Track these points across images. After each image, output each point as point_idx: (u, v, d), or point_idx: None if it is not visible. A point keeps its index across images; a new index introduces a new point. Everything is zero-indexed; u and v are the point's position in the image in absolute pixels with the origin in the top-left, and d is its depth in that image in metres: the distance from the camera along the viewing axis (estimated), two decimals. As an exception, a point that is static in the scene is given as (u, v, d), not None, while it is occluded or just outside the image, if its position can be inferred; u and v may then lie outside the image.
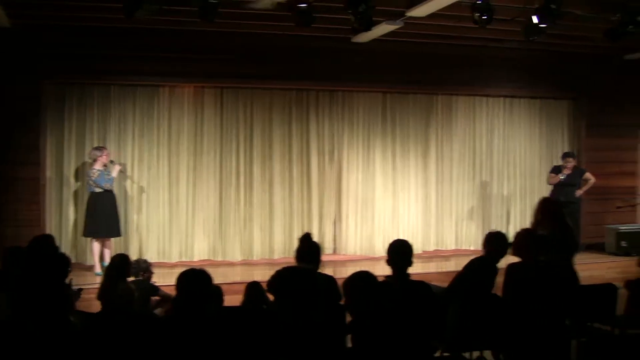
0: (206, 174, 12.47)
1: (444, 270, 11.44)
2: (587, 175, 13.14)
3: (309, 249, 6.40)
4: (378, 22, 10.51)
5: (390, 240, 6.27)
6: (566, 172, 12.85)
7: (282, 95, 12.82)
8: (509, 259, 6.62)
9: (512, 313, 6.20)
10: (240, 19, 10.79)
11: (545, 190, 13.31)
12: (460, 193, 13.86)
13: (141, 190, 12.18)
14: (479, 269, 6.78)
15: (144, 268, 8.06)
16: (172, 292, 5.32)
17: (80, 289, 6.87)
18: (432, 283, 6.79)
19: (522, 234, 6.71)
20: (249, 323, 5.18)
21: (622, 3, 9.65)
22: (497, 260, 6.82)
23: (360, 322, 4.93)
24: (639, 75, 14.53)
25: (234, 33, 11.71)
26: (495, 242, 6.84)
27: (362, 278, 5.05)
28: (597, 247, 13.66)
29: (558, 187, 12.79)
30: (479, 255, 6.87)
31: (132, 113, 12.13)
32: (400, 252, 6.08)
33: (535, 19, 9.52)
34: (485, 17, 9.38)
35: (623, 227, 13.62)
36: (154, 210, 12.25)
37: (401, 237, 6.47)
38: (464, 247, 13.48)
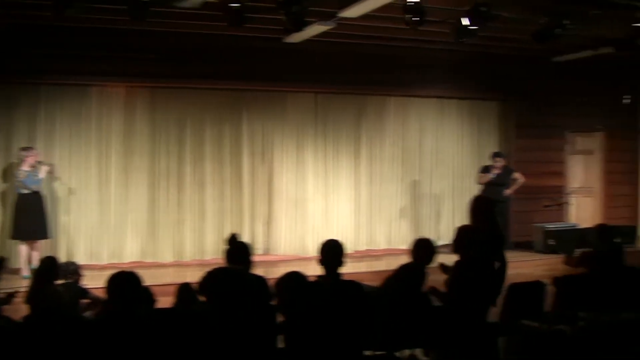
0: (137, 175, 12.30)
1: (375, 269, 11.45)
2: (516, 174, 13.37)
3: (237, 249, 6.35)
4: (310, 23, 10.50)
5: (322, 241, 6.26)
6: (495, 171, 13.06)
7: (214, 95, 12.72)
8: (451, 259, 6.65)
9: (444, 311, 6.25)
10: (172, 18, 10.65)
11: (475, 190, 13.47)
12: (391, 193, 13.94)
13: (70, 191, 11.94)
14: (408, 273, 6.80)
15: (73, 270, 7.90)
16: (102, 294, 5.24)
17: (12, 294, 6.71)
18: (364, 282, 6.81)
19: (463, 231, 6.73)
20: (180, 325, 5.13)
21: (550, 6, 9.82)
22: (424, 266, 6.85)
23: (292, 322, 4.91)
24: (567, 77, 14.82)
25: (166, 32, 11.56)
26: (421, 249, 6.86)
27: (293, 278, 5.04)
28: (525, 245, 13.88)
29: (487, 187, 12.98)
30: (407, 262, 6.90)
31: (61, 113, 11.88)
32: (331, 252, 6.07)
33: (465, 21, 9.61)
34: (417, 19, 9.44)
35: (550, 226, 13.89)
36: (83, 212, 12.03)
37: (333, 237, 6.46)
38: (395, 247, 13.52)
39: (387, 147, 13.88)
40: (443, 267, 6.82)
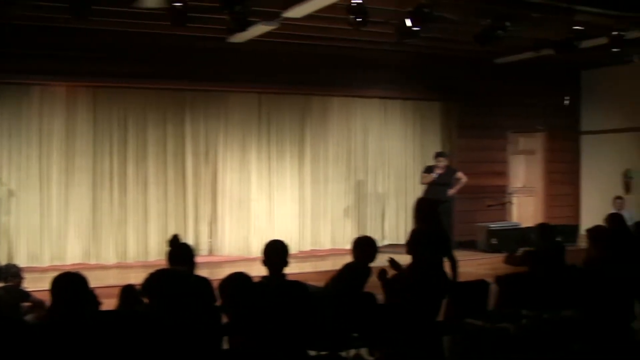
0: (79, 175, 12.12)
1: (320, 269, 11.46)
2: (459, 174, 13.48)
3: (179, 250, 6.30)
4: (254, 23, 10.48)
5: (266, 241, 6.25)
6: (438, 171, 13.15)
7: (157, 95, 12.60)
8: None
9: (390, 309, 6.27)
10: (114, 16, 10.55)
11: (419, 190, 13.59)
12: (335, 193, 13.97)
13: (10, 192, 11.73)
14: (352, 272, 6.82)
15: (14, 273, 7.77)
16: (44, 297, 5.14)
17: None
18: (309, 283, 6.81)
19: (418, 233, 6.73)
20: (124, 327, 5.07)
21: (492, 8, 9.93)
22: (367, 264, 6.88)
23: (237, 323, 4.89)
24: (509, 78, 15.03)
25: (108, 31, 11.43)
26: (362, 247, 6.88)
27: (238, 279, 5.02)
28: (469, 245, 14.01)
29: (431, 187, 13.07)
30: (350, 262, 6.91)
31: (0, 112, 11.65)
32: (275, 252, 6.07)
33: (408, 22, 9.66)
34: (360, 19, 9.47)
35: (493, 225, 14.04)
36: (24, 213, 11.81)
37: (277, 238, 6.46)
38: (339, 247, 13.53)
39: (331, 147, 13.90)
40: (392, 263, 6.83)
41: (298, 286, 6.03)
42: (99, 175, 12.24)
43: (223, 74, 12.66)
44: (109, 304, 6.42)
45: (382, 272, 6.56)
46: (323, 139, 13.84)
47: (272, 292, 5.71)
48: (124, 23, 10.98)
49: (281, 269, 6.03)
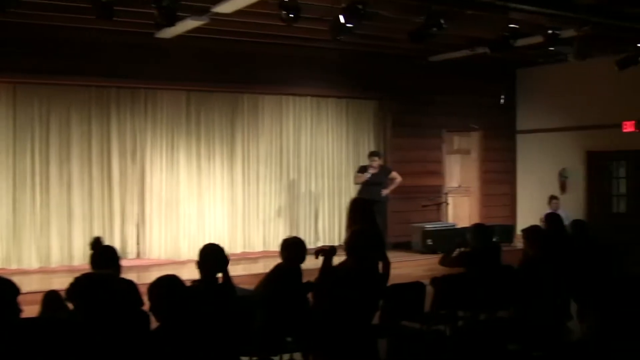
0: (-2, 176, 11.90)
1: (252, 272, 11.42)
2: (393, 174, 13.60)
3: (101, 254, 6.24)
4: (183, 18, 10.39)
5: (196, 243, 6.24)
6: (372, 171, 13.22)
7: (81, 92, 12.40)
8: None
9: (323, 313, 6.29)
10: (35, 9, 10.34)
11: (353, 190, 13.66)
12: (267, 193, 13.97)
13: None
14: (282, 274, 6.82)
15: None
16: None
17: None
18: (240, 286, 6.80)
19: (357, 234, 6.74)
20: (47, 334, 5.00)
21: (427, 6, 10.01)
22: (297, 265, 6.89)
23: (166, 328, 4.86)
24: (444, 77, 15.21)
25: (29, 24, 11.16)
26: (291, 248, 6.90)
27: (168, 282, 4.98)
28: (404, 246, 14.14)
29: (365, 186, 13.14)
30: (279, 263, 6.91)
31: None
32: (211, 256, 6.04)
33: (341, 19, 9.69)
34: (293, 15, 9.46)
35: (428, 226, 14.19)
36: (-62, 216, 11.56)
37: (207, 240, 6.46)
38: (272, 249, 13.44)
39: (263, 146, 13.89)
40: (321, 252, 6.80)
41: (229, 290, 6.03)
42: (19, 175, 11.99)
43: (150, 70, 12.52)
44: (30, 311, 6.32)
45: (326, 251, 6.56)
46: (254, 138, 13.82)
47: (203, 296, 5.70)
48: (46, 16, 10.77)
49: (216, 273, 6.01)
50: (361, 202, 8.15)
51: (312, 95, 14.38)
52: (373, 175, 13.21)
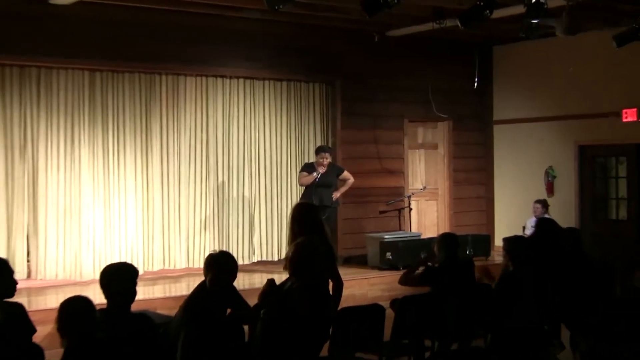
0: None
1: (172, 294, 11.43)
2: (345, 174, 13.64)
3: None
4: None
5: (103, 259, 6.19)
6: (321, 170, 13.20)
7: (-43, 72, 12.28)
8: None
9: (266, 343, 6.28)
10: None
11: (297, 192, 13.67)
12: (191, 197, 13.93)
13: None
14: (206, 296, 6.80)
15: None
16: None
17: None
18: (158, 311, 6.77)
19: (302, 248, 6.73)
20: None
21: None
22: (224, 284, 6.89)
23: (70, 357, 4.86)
24: (405, 56, 15.30)
25: None
26: (217, 265, 6.89)
27: (76, 305, 4.96)
28: (358, 260, 14.23)
29: (311, 189, 13.16)
30: (202, 282, 6.90)
31: None
32: (118, 279, 5.97)
33: (281, -17, 9.64)
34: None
35: (387, 236, 14.15)
36: None
37: (117, 255, 6.41)
38: (197, 265, 13.44)
39: (185, 139, 13.85)
40: (272, 286, 6.80)
41: (143, 319, 5.98)
42: None
43: (43, 45, 12.30)
44: None
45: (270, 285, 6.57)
46: (174, 130, 13.75)
47: (110, 327, 5.65)
48: None
49: (125, 298, 5.94)
50: (306, 209, 8.13)
51: (246, 77, 14.36)
52: (322, 175, 13.23)
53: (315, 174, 13.22)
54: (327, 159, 13.35)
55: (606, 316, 7.65)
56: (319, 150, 13.56)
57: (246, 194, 14.44)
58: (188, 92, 13.93)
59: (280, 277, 6.97)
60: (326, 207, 13.05)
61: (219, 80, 14.18)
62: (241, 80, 14.37)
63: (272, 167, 14.70)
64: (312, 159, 13.69)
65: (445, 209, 16.37)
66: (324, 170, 13.25)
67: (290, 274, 6.66)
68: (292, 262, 6.51)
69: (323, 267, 6.66)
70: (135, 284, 6.05)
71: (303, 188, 13.50)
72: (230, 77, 14.25)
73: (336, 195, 13.48)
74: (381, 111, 15.38)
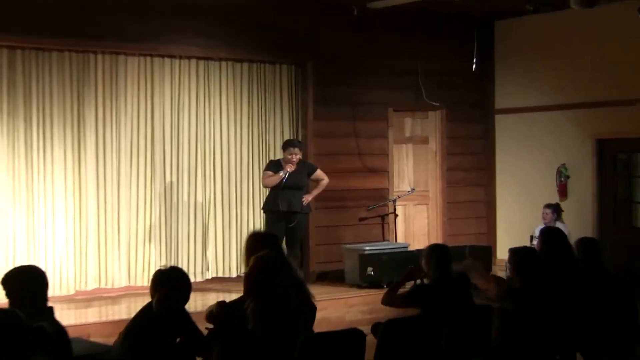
0: None
1: (110, 318, 11.38)
2: (318, 173, 13.63)
3: None
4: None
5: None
6: (289, 169, 13.14)
7: None
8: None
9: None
10: None
11: (260, 195, 13.67)
12: (133, 203, 13.91)
13: None
14: (154, 321, 6.80)
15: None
16: None
17: None
18: (92, 339, 6.74)
19: (263, 261, 6.76)
20: None
21: None
22: (174, 305, 6.90)
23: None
24: (389, 33, 15.33)
25: None
26: (166, 283, 6.86)
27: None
28: (333, 277, 14.31)
29: (277, 191, 13.18)
30: (148, 304, 6.90)
31: None
32: (26, 284, 5.98)
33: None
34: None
35: (369, 248, 14.19)
36: None
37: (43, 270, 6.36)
38: (140, 284, 13.52)
39: (125, 132, 13.81)
40: (224, 309, 6.84)
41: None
42: None
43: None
44: None
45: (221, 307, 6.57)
46: (112, 121, 13.70)
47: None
48: None
49: (39, 312, 5.94)
50: (262, 239, 8.09)
51: (199, 58, 14.37)
52: (290, 174, 13.20)
53: (282, 173, 13.15)
54: (296, 156, 13.31)
55: (629, 343, 7.66)
56: (286, 145, 13.52)
57: (199, 198, 14.44)
58: (129, 75, 13.88)
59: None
60: (295, 213, 13.09)
61: (167, 60, 14.16)
62: (193, 61, 14.37)
63: (230, 166, 14.70)
64: (279, 156, 13.71)
65: (437, 215, 16.43)
66: (293, 169, 13.18)
67: (245, 292, 6.72)
68: (248, 278, 6.55)
69: (286, 283, 6.66)
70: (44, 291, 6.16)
71: (267, 190, 13.50)
72: (181, 57, 14.23)
73: (307, 198, 13.48)
74: (361, 98, 15.40)
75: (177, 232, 14.24)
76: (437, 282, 8.52)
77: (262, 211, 13.90)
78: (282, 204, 13.03)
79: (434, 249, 8.96)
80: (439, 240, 15.02)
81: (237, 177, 14.71)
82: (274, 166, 13.46)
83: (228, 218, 14.63)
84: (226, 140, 14.66)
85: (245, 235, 13.83)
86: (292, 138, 14.21)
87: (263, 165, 14.08)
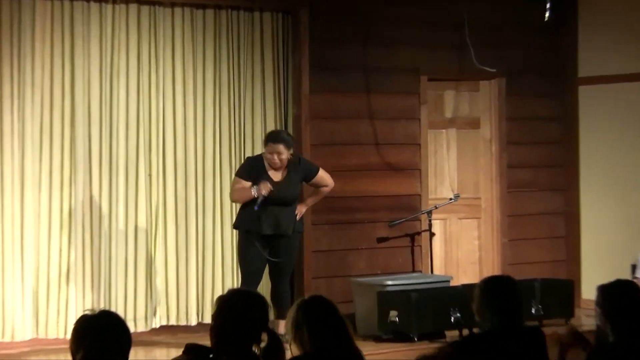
0: None
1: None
2: (321, 177, 13.44)
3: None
4: None
5: None
6: (264, 191, 12.88)
7: None
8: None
9: None
10: None
11: (230, 212, 13.46)
12: (44, 218, 13.84)
13: None
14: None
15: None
16: None
17: None
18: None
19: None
20: None
21: None
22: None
23: None
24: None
25: None
26: (91, 333, 6.77)
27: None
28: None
29: (253, 209, 12.91)
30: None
31: None
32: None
33: None
34: None
35: (392, 282, 14.11)
36: None
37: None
38: (52, 336, 13.54)
39: (33, 111, 13.79)
40: None
41: None
42: None
43: None
44: None
45: None
46: (12, 92, 13.67)
47: None
48: None
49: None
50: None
51: (141, 1, 14.35)
52: (278, 184, 13.01)
53: (254, 192, 12.85)
54: (280, 156, 13.02)
55: None
56: (269, 140, 13.23)
57: (141, 210, 14.37)
58: (38, 26, 13.85)
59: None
60: (284, 237, 12.96)
61: (94, 5, 14.11)
62: (133, 6, 14.36)
63: (187, 162, 14.63)
64: (258, 148, 13.73)
65: (493, 233, 16.35)
66: (268, 192, 12.88)
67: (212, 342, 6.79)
68: (214, 325, 6.68)
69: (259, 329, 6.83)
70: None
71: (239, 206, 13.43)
72: (114, 1, 14.20)
73: (301, 210, 13.34)
74: (380, 62, 15.36)
75: (109, 260, 14.14)
76: (494, 336, 8.29)
77: (234, 228, 13.84)
78: (265, 225, 12.87)
79: (491, 285, 8.73)
80: (496, 271, 15.07)
81: (197, 178, 14.62)
82: (249, 170, 13.22)
83: (185, 239, 14.52)
84: (182, 122, 14.60)
85: (208, 269, 13.94)
86: (278, 129, 14.12)
87: (236, 161, 14.10)
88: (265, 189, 12.81)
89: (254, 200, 12.87)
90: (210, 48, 14.71)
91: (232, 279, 14.46)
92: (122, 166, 14.15)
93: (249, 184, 12.99)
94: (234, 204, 13.98)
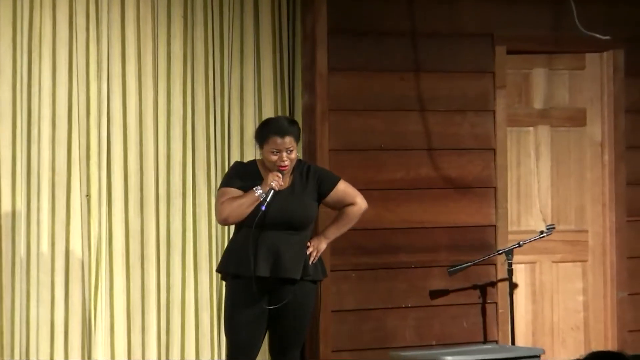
0: None
1: None
2: (342, 190, 13.45)
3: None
4: None
5: None
6: (275, 184, 13.10)
7: None
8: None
9: None
10: None
11: (208, 250, 13.92)
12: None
13: None
14: None
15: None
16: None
17: None
18: None
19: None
20: None
21: None
22: None
23: None
24: None
25: None
26: None
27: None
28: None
29: (249, 234, 13.00)
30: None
31: None
32: None
33: None
34: None
35: (453, 358, 14.43)
36: None
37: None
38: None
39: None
40: None
41: None
42: None
43: None
44: None
45: None
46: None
47: None
48: None
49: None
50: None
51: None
52: (279, 196, 13.08)
53: (258, 191, 12.86)
54: (288, 152, 13.07)
55: None
56: (266, 132, 13.15)
57: (73, 257, 14.73)
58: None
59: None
60: (289, 281, 12.96)
61: None
62: None
63: (142, 183, 15.00)
64: (251, 153, 14.12)
65: (606, 284, 16.51)
66: (282, 184, 13.04)
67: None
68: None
69: None
70: None
71: (229, 230, 13.75)
72: None
73: (319, 247, 13.29)
74: (433, 25, 15.64)
75: (27, 324, 14.51)
76: None
77: (216, 274, 14.02)
78: (260, 263, 12.85)
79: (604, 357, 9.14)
80: (610, 341, 15.17)
81: (158, 201, 14.99)
82: (240, 176, 13.33)
83: (140, 291, 14.91)
84: (135, 118, 15.01)
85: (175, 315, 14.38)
86: (276, 116, 14.46)
87: (217, 175, 14.45)
88: (275, 179, 12.77)
89: (257, 211, 12.71)
90: (178, 6, 15.11)
91: (210, 354, 14.69)
92: (45, 183, 14.49)
93: (241, 192, 12.95)
94: (214, 237, 14.39)
